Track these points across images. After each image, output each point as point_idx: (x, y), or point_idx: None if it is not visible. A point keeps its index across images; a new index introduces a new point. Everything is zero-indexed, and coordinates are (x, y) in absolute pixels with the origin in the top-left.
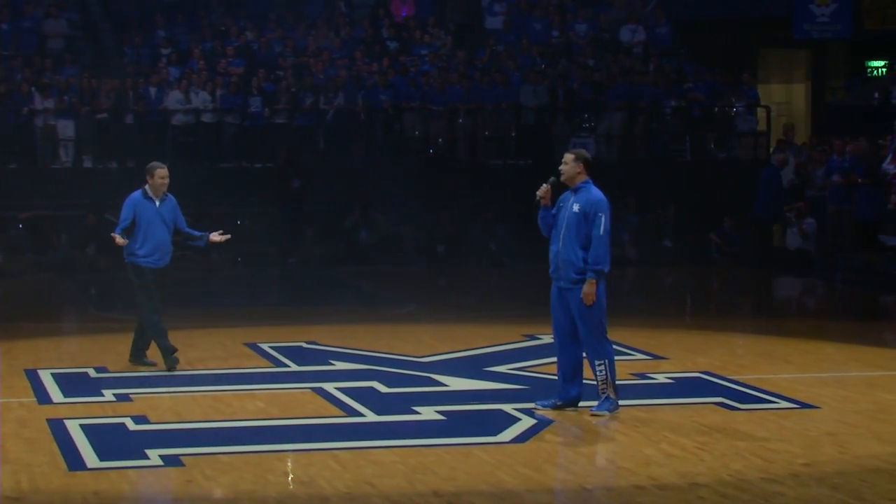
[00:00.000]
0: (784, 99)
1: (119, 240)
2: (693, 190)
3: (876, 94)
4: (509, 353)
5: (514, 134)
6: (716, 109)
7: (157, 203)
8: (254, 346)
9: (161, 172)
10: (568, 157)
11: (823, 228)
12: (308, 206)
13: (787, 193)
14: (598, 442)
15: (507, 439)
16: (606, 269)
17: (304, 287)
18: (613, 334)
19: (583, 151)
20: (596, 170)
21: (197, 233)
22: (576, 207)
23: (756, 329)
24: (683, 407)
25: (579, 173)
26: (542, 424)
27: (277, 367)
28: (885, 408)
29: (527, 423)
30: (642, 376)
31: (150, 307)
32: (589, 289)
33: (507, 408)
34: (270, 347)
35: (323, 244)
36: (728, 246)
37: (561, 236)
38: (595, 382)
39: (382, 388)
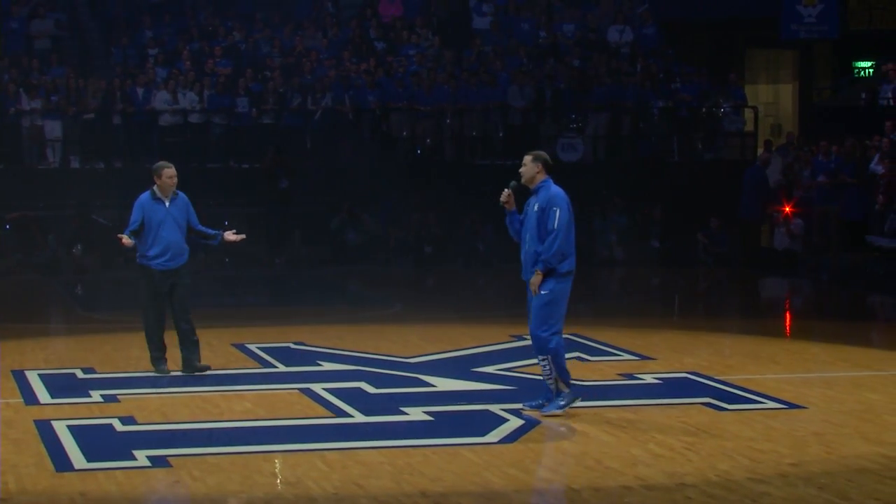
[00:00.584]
0: (771, 99)
1: (126, 240)
2: (680, 190)
3: (863, 95)
4: (497, 353)
5: (501, 134)
6: (703, 110)
7: (167, 203)
8: (241, 347)
9: (168, 172)
10: (526, 158)
11: (810, 229)
12: (295, 207)
13: (775, 194)
14: (586, 442)
15: (495, 440)
16: (555, 263)
17: (292, 287)
18: (601, 334)
19: (541, 153)
20: (583, 170)
21: (211, 231)
22: (536, 207)
23: (743, 329)
24: (671, 407)
25: (538, 173)
26: (529, 425)
27: (265, 367)
28: (872, 408)
29: (514, 423)
30: (629, 377)
31: (153, 314)
32: (535, 279)
33: (495, 408)
34: (258, 348)
35: (310, 244)
36: (715, 246)
37: (526, 238)
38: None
39: (370, 389)
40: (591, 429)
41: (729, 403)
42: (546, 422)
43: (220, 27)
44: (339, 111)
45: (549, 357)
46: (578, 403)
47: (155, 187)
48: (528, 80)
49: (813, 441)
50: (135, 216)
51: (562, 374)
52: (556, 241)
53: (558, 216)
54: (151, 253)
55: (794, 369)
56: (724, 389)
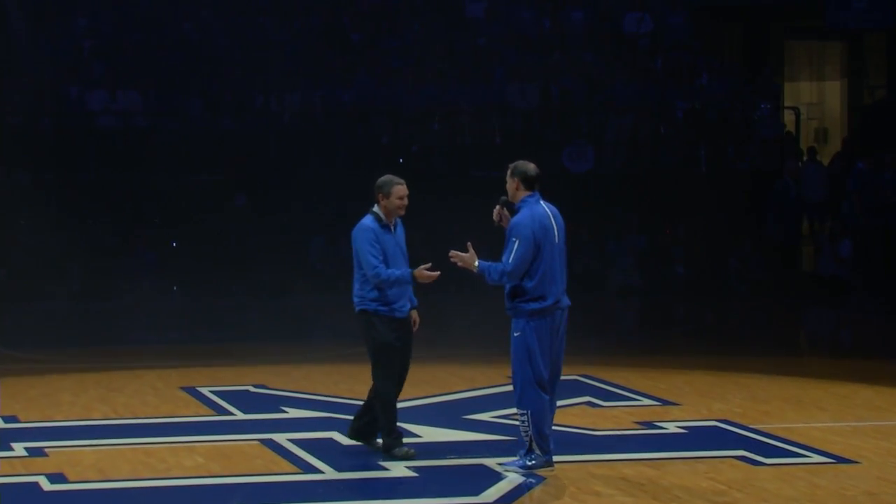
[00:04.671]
0: (815, 99)
1: (427, 274)
2: (709, 206)
3: None
4: (492, 398)
5: (498, 141)
6: (735, 112)
7: (394, 231)
8: (191, 391)
9: (400, 191)
10: (507, 172)
11: (861, 252)
12: (256, 226)
13: (818, 210)
14: (599, 503)
15: (491, 500)
16: (494, 281)
17: (252, 320)
18: (615, 375)
19: (520, 164)
20: (594, 182)
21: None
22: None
23: (782, 370)
24: (698, 461)
25: (517, 189)
26: (531, 482)
27: (219, 414)
28: None
29: (514, 480)
30: (649, 425)
31: (390, 373)
32: (469, 257)
33: (490, 462)
34: (211, 392)
35: (274, 269)
36: (749, 272)
37: None
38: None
39: (343, 440)
40: (606, 488)
41: (766, 457)
42: (547, 483)
43: (168, 15)
44: (309, 113)
45: (528, 413)
46: (547, 473)
47: (378, 210)
48: (530, 78)
49: (866, 502)
50: (375, 249)
51: (538, 438)
52: (503, 277)
53: (514, 250)
54: (386, 298)
55: (844, 417)
56: (760, 440)
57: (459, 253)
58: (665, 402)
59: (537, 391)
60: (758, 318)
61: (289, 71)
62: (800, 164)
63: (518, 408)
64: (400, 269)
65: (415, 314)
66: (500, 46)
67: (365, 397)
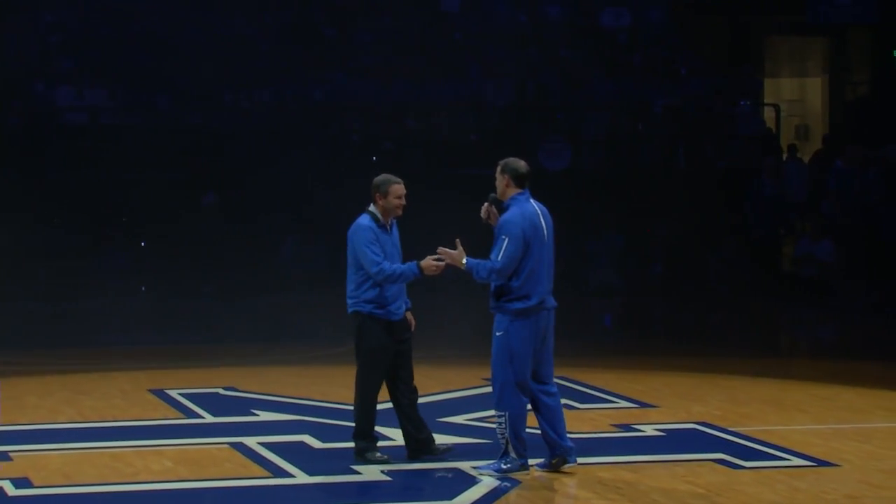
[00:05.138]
0: (796, 96)
1: (438, 263)
2: (688, 205)
3: None
4: (467, 400)
5: (474, 137)
6: (715, 108)
7: (389, 231)
8: (160, 393)
9: (398, 190)
10: (497, 169)
11: (843, 252)
12: (226, 225)
13: (799, 209)
14: None
15: None
16: (482, 278)
17: (222, 321)
18: (592, 377)
19: (510, 161)
20: (571, 181)
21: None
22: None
23: (762, 371)
24: (676, 465)
25: (507, 187)
26: (506, 486)
27: (189, 418)
28: None
29: (488, 484)
30: (627, 428)
31: (374, 381)
32: (457, 254)
33: (465, 466)
34: (180, 394)
35: (244, 269)
36: (729, 272)
37: None
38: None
39: (315, 444)
40: (582, 491)
41: (746, 460)
42: (523, 487)
43: (136, 9)
44: (280, 110)
45: (505, 415)
46: (522, 476)
47: (375, 209)
48: (506, 74)
49: None
50: (375, 247)
51: (514, 442)
52: (491, 274)
53: (504, 248)
54: (382, 300)
55: (825, 419)
56: (739, 443)
57: (448, 250)
58: (643, 405)
59: (516, 393)
60: (738, 318)
61: (259, 66)
62: (780, 161)
63: (496, 409)
64: (404, 264)
65: (409, 316)
66: (475, 41)
67: (334, 399)
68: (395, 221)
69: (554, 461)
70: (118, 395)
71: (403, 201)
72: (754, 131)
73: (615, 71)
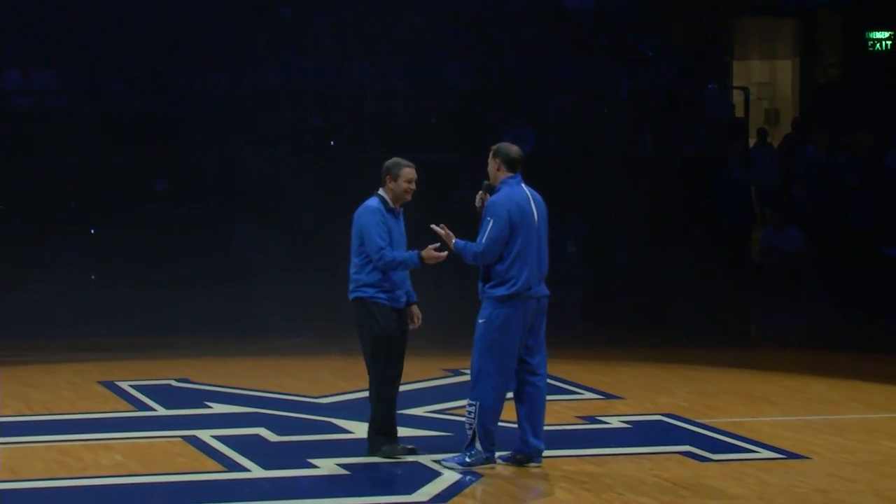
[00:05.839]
0: (766, 79)
1: (435, 255)
2: (655, 191)
3: (878, 73)
4: (427, 392)
5: (434, 122)
6: (682, 92)
7: (397, 217)
8: (110, 385)
9: (409, 174)
10: (489, 154)
11: (813, 239)
12: (179, 212)
13: (770, 196)
14: (538, 502)
15: (426, 499)
16: (468, 259)
17: (175, 312)
18: (557, 368)
19: (502, 145)
20: (535, 166)
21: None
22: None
23: (731, 362)
24: (643, 458)
25: (497, 171)
26: (468, 480)
27: (140, 410)
28: (889, 458)
29: (449, 478)
30: (592, 419)
31: (387, 372)
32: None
33: (425, 460)
34: (131, 386)
35: (198, 258)
36: (697, 260)
37: None
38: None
39: (271, 437)
40: (545, 484)
41: (714, 453)
42: (486, 480)
43: None
44: (236, 94)
45: (476, 405)
46: (486, 470)
47: (385, 193)
48: (468, 57)
49: (817, 499)
50: (382, 230)
51: (481, 434)
52: (476, 257)
53: (489, 230)
54: (387, 284)
55: (794, 411)
56: (707, 436)
57: (439, 229)
58: (608, 396)
59: (492, 384)
60: (705, 308)
61: (214, 48)
62: (747, 147)
63: (469, 398)
64: (406, 252)
65: (416, 309)
66: (436, 23)
67: (290, 391)
68: (401, 210)
69: (519, 457)
70: (67, 388)
71: (414, 186)
72: (722, 116)
73: (580, 54)
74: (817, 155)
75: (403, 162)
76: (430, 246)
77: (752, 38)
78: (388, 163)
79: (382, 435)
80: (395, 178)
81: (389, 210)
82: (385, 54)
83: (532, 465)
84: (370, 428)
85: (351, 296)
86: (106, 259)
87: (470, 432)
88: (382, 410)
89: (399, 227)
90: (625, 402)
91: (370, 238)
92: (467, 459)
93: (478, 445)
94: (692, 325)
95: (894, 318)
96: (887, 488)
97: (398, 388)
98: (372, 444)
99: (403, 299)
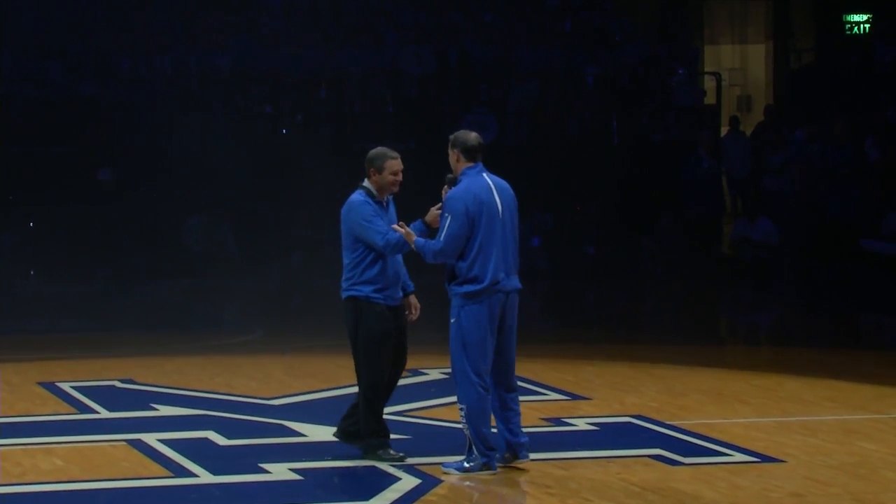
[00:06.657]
0: (738, 64)
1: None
2: (621, 181)
3: (854, 58)
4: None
5: (391, 109)
6: (650, 78)
7: (386, 209)
8: (50, 386)
9: (394, 166)
10: (449, 144)
11: (788, 231)
12: (123, 204)
13: (742, 186)
14: None
15: None
16: (427, 259)
17: (118, 308)
18: (520, 367)
19: (460, 134)
20: (497, 155)
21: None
22: None
23: (701, 360)
24: (610, 461)
25: (458, 161)
26: (427, 485)
27: (82, 413)
28: (867, 460)
29: (408, 483)
30: (557, 421)
31: (376, 372)
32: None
33: (383, 464)
34: (72, 387)
35: (144, 252)
36: (665, 253)
37: None
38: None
39: (220, 440)
40: (508, 490)
41: (684, 456)
42: (447, 479)
43: None
44: (183, 79)
45: (465, 407)
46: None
47: (369, 184)
48: (425, 41)
49: None
50: (376, 219)
51: (476, 439)
52: (436, 256)
53: (447, 227)
54: (380, 282)
55: (768, 411)
56: (677, 438)
57: (399, 229)
58: (574, 396)
59: (473, 385)
60: (674, 303)
61: (159, 31)
62: (717, 135)
63: (459, 402)
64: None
65: (414, 299)
66: (391, 5)
67: (240, 392)
68: (391, 199)
69: (506, 455)
70: (4, 389)
71: (400, 177)
72: (692, 102)
73: (543, 38)
74: (791, 143)
75: (389, 153)
76: (433, 208)
77: (722, 21)
78: (372, 154)
79: (377, 437)
80: (380, 171)
81: (377, 202)
82: (338, 38)
83: (518, 462)
84: (364, 432)
85: (344, 294)
86: (46, 253)
87: (467, 437)
88: (374, 412)
89: (389, 219)
90: (591, 403)
91: (367, 235)
92: (466, 465)
93: (475, 450)
94: (661, 321)
95: (869, 314)
96: (864, 491)
97: (395, 385)
98: (368, 447)
99: (399, 295)
